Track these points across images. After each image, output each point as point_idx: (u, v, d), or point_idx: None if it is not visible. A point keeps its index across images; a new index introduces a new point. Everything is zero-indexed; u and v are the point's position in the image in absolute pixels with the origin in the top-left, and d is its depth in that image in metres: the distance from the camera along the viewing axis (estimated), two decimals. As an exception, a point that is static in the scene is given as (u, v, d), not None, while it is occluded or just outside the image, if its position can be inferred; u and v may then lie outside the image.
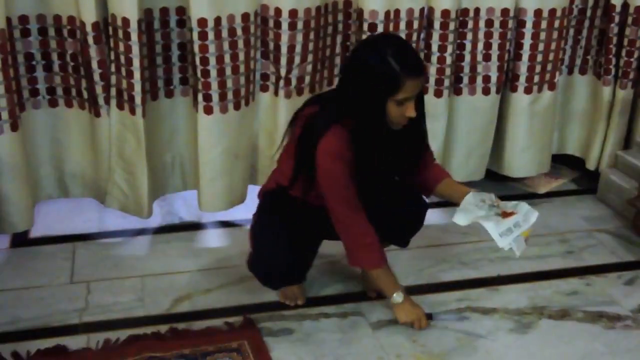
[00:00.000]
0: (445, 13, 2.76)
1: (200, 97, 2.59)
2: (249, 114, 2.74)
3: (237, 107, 2.66)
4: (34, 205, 2.72)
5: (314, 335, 2.26)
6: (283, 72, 2.67)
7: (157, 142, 2.73)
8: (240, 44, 2.57)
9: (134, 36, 2.44)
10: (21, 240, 2.73)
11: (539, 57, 2.93)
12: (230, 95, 2.62)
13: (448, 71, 2.87)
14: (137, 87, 2.52)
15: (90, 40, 2.48)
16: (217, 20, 2.49)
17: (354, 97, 2.02)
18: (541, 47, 2.91)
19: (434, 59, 2.85)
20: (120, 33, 2.45)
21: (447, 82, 2.89)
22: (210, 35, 2.49)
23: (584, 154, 3.31)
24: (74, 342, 2.18)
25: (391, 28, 2.70)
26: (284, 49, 2.63)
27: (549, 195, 3.24)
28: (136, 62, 2.48)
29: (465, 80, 2.95)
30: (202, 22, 2.47)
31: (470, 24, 2.86)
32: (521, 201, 2.13)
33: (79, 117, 2.71)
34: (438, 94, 2.89)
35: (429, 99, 2.88)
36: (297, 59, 2.66)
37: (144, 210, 2.73)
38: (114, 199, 2.77)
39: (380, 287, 2.27)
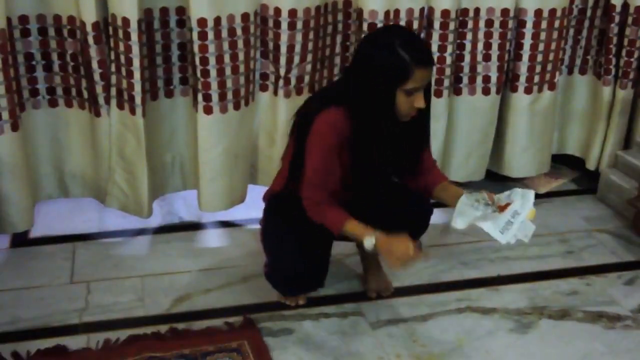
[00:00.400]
0: (445, 13, 2.76)
1: (200, 97, 2.59)
2: (248, 113, 2.74)
3: (236, 107, 2.66)
4: (34, 205, 2.72)
5: (314, 335, 2.26)
6: (282, 71, 2.67)
7: (157, 142, 2.73)
8: (240, 43, 2.57)
9: (134, 36, 2.44)
10: (21, 240, 2.73)
11: (539, 57, 2.93)
12: (230, 95, 2.62)
13: (448, 71, 2.87)
14: (137, 87, 2.52)
15: (91, 40, 2.48)
16: (217, 20, 2.49)
17: (362, 88, 2.01)
18: (541, 47, 2.91)
19: (434, 59, 2.84)
20: (121, 33, 2.45)
21: (447, 82, 2.89)
22: (210, 35, 2.49)
23: (584, 154, 3.31)
24: (74, 342, 2.18)
25: (391, 28, 2.70)
26: (283, 49, 2.63)
27: (549, 195, 3.24)
28: (136, 62, 2.48)
29: (465, 80, 2.95)
30: (202, 22, 2.47)
31: (470, 24, 2.86)
32: (514, 188, 2.09)
33: (79, 117, 2.71)
34: (438, 94, 2.89)
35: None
36: (296, 59, 2.66)
37: (144, 210, 2.74)
38: (114, 199, 2.77)
39: (355, 239, 2.16)
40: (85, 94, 2.65)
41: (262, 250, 2.31)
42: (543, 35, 2.89)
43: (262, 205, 2.35)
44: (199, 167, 2.71)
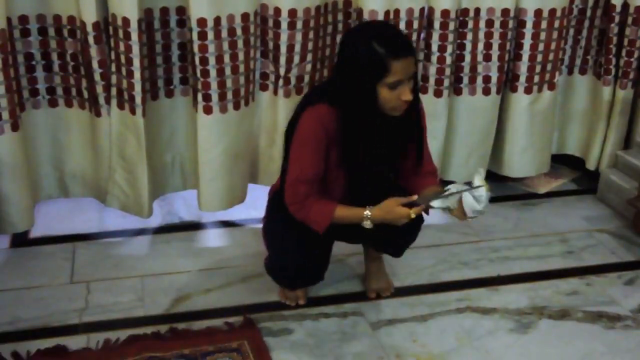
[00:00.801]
0: (445, 13, 2.76)
1: (200, 96, 2.59)
2: (248, 113, 2.74)
3: (236, 106, 2.66)
4: (34, 205, 2.71)
5: (314, 335, 2.26)
6: (282, 71, 2.67)
7: (157, 141, 2.73)
8: (240, 43, 2.57)
9: (134, 36, 2.44)
10: (21, 240, 2.73)
11: (539, 57, 2.93)
12: (230, 95, 2.62)
13: (448, 71, 2.87)
14: (137, 87, 2.52)
15: (91, 40, 2.48)
16: (217, 20, 2.49)
17: (344, 85, 2.00)
18: (541, 47, 2.91)
19: (434, 59, 2.85)
20: (121, 33, 2.45)
21: (447, 82, 2.89)
22: (210, 35, 2.49)
23: (584, 154, 3.31)
24: (74, 342, 2.18)
25: (391, 28, 2.70)
26: (283, 49, 2.63)
27: (549, 195, 3.24)
28: (136, 62, 2.48)
29: (466, 80, 2.95)
30: (202, 22, 2.47)
31: (471, 24, 2.86)
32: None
33: (79, 117, 2.71)
34: (438, 94, 2.89)
35: (429, 98, 2.89)
36: (296, 59, 2.66)
37: (144, 210, 2.73)
38: (114, 199, 2.77)
39: (351, 222, 2.11)
40: (86, 94, 2.65)
41: (264, 244, 2.31)
42: (543, 35, 2.89)
43: (265, 202, 2.36)
44: (199, 167, 2.71)
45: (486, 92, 2.96)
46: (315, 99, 2.08)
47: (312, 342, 2.22)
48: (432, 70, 2.86)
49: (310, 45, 2.67)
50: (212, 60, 2.53)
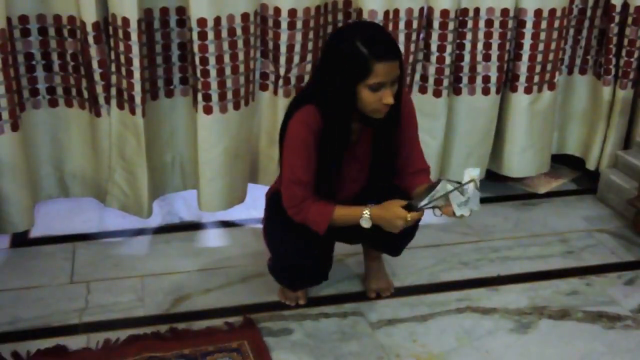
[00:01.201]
0: (445, 13, 2.76)
1: (200, 96, 2.59)
2: (248, 113, 2.74)
3: (236, 106, 2.66)
4: (34, 205, 2.71)
5: (314, 335, 2.26)
6: (282, 71, 2.67)
7: (157, 142, 2.73)
8: (240, 43, 2.57)
9: (134, 36, 2.44)
10: (21, 240, 2.73)
11: (539, 57, 2.93)
12: (230, 95, 2.62)
13: (447, 71, 2.87)
14: (137, 87, 2.52)
15: (91, 40, 2.48)
16: (217, 20, 2.49)
17: (325, 84, 2.00)
18: (541, 47, 2.91)
19: (433, 58, 2.85)
20: (121, 33, 2.45)
21: (446, 82, 2.89)
22: (210, 35, 2.49)
23: (584, 154, 3.31)
24: (74, 342, 2.18)
25: (390, 28, 2.70)
26: (283, 49, 2.63)
27: (549, 195, 3.24)
28: (136, 62, 2.48)
29: (465, 80, 2.95)
30: (202, 22, 2.47)
31: (470, 24, 2.86)
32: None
33: (79, 117, 2.71)
34: (437, 93, 2.89)
35: (429, 98, 2.89)
36: (296, 59, 2.66)
37: (144, 210, 2.73)
38: (114, 199, 2.77)
39: (350, 222, 2.10)
40: (86, 94, 2.65)
41: (266, 247, 2.30)
42: (543, 35, 2.89)
43: (263, 204, 2.36)
44: (199, 167, 2.71)
45: (486, 92, 2.95)
46: (302, 102, 2.08)
47: (312, 342, 2.22)
48: (432, 70, 2.86)
49: (310, 45, 2.67)
50: (212, 60, 2.53)
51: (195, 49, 2.51)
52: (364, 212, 2.05)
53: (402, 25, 2.72)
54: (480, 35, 2.88)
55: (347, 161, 2.14)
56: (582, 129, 3.28)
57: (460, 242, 2.81)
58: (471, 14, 2.84)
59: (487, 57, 2.91)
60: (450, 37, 2.81)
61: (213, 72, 2.55)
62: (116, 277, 2.52)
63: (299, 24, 2.59)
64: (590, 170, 3.27)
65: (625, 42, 3.01)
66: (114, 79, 2.57)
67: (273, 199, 2.29)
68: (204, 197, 2.76)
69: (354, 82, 1.94)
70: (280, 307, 2.38)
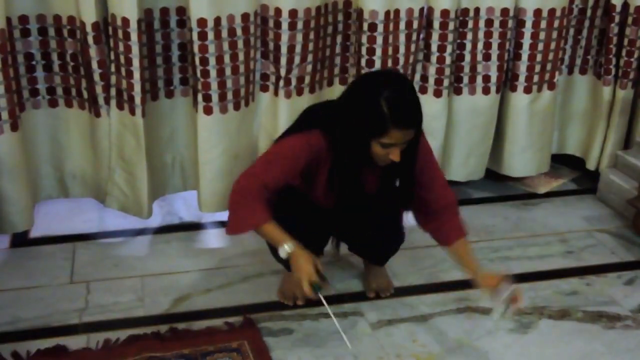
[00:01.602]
0: (445, 13, 2.76)
1: (200, 97, 2.59)
2: (249, 114, 2.74)
3: (237, 107, 2.66)
4: (34, 205, 2.72)
5: (314, 335, 2.26)
6: (283, 72, 2.67)
7: (157, 142, 2.73)
8: (240, 44, 2.57)
9: (134, 36, 2.44)
10: (21, 240, 2.73)
11: (539, 57, 2.93)
12: (230, 96, 2.62)
13: (448, 71, 2.87)
14: (137, 87, 2.52)
15: (90, 40, 2.48)
16: (217, 21, 2.49)
17: (341, 127, 2.00)
18: (541, 46, 2.91)
19: (434, 58, 2.85)
20: (120, 33, 2.45)
21: (446, 82, 2.89)
22: (210, 36, 2.49)
23: (584, 154, 3.31)
24: (74, 342, 2.18)
25: (391, 28, 2.70)
26: (283, 49, 2.63)
27: (549, 195, 3.24)
28: (136, 62, 2.48)
29: (465, 80, 2.95)
30: (202, 22, 2.47)
31: (470, 24, 2.86)
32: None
33: (79, 117, 2.71)
34: (438, 93, 2.89)
35: (429, 98, 2.89)
36: (297, 59, 2.66)
37: (144, 210, 2.73)
38: (114, 199, 2.77)
39: (272, 242, 2.10)
40: (85, 94, 2.65)
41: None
42: (542, 35, 2.89)
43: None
44: (199, 168, 2.71)
45: (486, 91, 2.96)
46: (313, 123, 2.08)
47: (312, 342, 2.22)
48: (432, 70, 2.86)
49: (310, 46, 2.67)
50: (212, 61, 2.53)
51: (196, 49, 2.51)
52: (285, 245, 2.02)
53: (402, 25, 2.72)
54: (480, 35, 2.88)
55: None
56: (582, 129, 3.28)
57: (460, 242, 2.80)
58: (471, 13, 2.84)
59: (487, 57, 2.91)
60: (450, 37, 2.81)
61: (213, 73, 2.55)
62: (116, 277, 2.52)
63: (300, 25, 2.59)
64: (590, 170, 3.27)
65: (625, 42, 3.01)
66: (113, 79, 2.57)
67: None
68: (204, 197, 2.76)
69: (368, 135, 1.95)
70: (280, 307, 2.38)
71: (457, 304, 2.43)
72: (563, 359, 2.20)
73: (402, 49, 2.76)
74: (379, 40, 2.69)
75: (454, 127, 3.02)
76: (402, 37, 2.74)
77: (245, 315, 2.32)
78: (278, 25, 2.59)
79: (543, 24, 2.87)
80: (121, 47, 2.48)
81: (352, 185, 2.10)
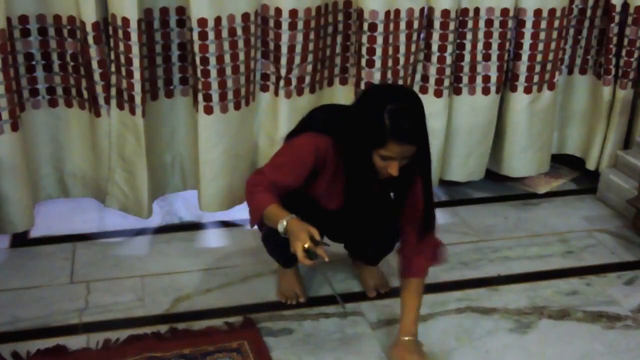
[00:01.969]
0: (445, 13, 2.76)
1: (200, 97, 2.59)
2: (249, 114, 2.74)
3: (237, 107, 2.66)
4: (34, 205, 2.72)
5: (314, 335, 2.26)
6: (283, 72, 2.67)
7: (157, 142, 2.73)
8: (241, 43, 2.57)
9: (134, 36, 2.44)
10: (21, 240, 2.73)
11: (539, 57, 2.93)
12: (230, 95, 2.62)
13: (448, 71, 2.87)
14: (137, 87, 2.52)
15: (90, 40, 2.48)
16: (217, 20, 2.49)
17: (346, 136, 2.02)
18: (541, 47, 2.91)
19: (434, 58, 2.85)
20: (120, 33, 2.45)
21: (446, 82, 2.89)
22: (211, 35, 2.49)
23: (584, 154, 3.31)
24: (74, 342, 2.18)
25: (391, 28, 2.70)
26: (284, 49, 2.63)
27: (549, 195, 3.24)
28: (136, 62, 2.48)
29: (465, 80, 2.95)
30: (202, 22, 2.47)
31: (470, 24, 2.86)
32: None
33: (79, 117, 2.71)
34: (438, 93, 2.89)
35: (429, 98, 2.89)
36: (297, 59, 2.66)
37: (144, 210, 2.73)
38: (114, 199, 2.77)
39: (273, 223, 2.03)
40: (85, 94, 2.65)
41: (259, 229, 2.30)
42: (542, 35, 2.89)
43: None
44: (199, 167, 2.71)
45: (486, 91, 2.96)
46: (322, 127, 2.09)
47: (312, 342, 2.22)
48: (432, 70, 2.86)
49: (311, 46, 2.67)
50: (212, 61, 2.53)
51: (196, 49, 2.51)
52: (283, 220, 1.97)
53: (402, 25, 2.72)
54: (480, 35, 2.88)
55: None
56: (582, 129, 3.28)
57: (460, 242, 2.80)
58: (471, 14, 2.84)
59: (487, 57, 2.91)
60: (450, 37, 2.81)
61: (214, 72, 2.55)
62: (116, 277, 2.52)
63: (300, 25, 2.59)
64: (590, 170, 3.27)
65: (625, 42, 3.01)
66: (113, 79, 2.57)
67: None
68: (204, 197, 2.76)
69: (369, 145, 1.96)
70: (280, 307, 2.38)
71: (457, 304, 2.43)
72: (563, 359, 2.20)
73: (402, 49, 2.76)
74: (379, 40, 2.70)
75: (454, 128, 3.02)
76: (402, 37, 2.74)
77: (245, 315, 2.32)
78: (278, 25, 2.59)
79: (543, 24, 2.87)
80: (121, 47, 2.48)
81: (364, 189, 2.11)
